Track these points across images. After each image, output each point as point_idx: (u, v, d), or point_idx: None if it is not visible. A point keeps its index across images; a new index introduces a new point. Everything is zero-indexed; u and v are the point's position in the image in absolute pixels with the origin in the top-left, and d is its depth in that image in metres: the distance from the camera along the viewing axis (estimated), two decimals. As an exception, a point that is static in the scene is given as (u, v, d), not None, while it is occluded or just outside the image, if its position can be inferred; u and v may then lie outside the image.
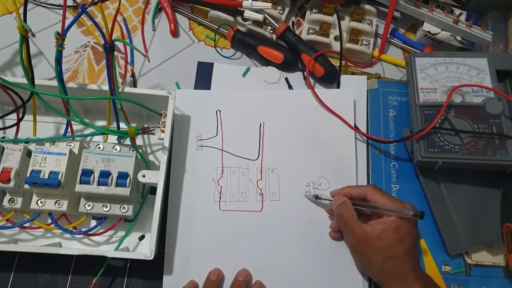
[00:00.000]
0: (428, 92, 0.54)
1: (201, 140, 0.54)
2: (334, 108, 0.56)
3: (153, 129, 0.45)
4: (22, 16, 0.43)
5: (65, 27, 0.43)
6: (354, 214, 0.47)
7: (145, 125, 0.46)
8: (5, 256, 0.48)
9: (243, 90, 0.58)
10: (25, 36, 0.42)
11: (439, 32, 0.61)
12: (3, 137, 0.51)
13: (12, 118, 0.49)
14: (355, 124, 0.56)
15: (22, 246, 0.47)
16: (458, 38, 0.61)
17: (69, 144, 0.49)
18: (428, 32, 0.62)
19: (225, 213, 0.51)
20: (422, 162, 0.51)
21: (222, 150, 0.54)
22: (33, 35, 0.41)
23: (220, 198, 0.52)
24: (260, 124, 0.56)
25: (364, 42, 0.61)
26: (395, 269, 0.45)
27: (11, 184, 0.44)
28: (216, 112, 0.56)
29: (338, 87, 0.59)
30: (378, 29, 0.64)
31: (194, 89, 0.58)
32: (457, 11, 0.62)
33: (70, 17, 0.61)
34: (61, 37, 0.43)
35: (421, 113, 0.53)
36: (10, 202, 0.46)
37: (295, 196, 0.53)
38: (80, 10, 0.42)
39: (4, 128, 0.50)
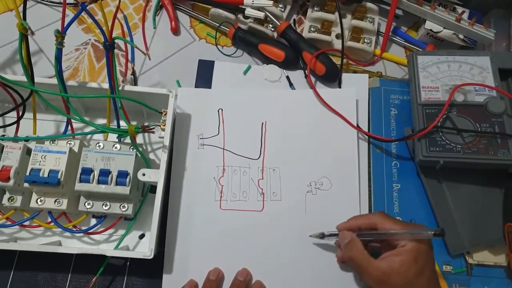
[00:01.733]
0: (430, 91, 0.54)
1: (203, 138, 0.54)
2: (336, 108, 0.56)
3: (153, 128, 0.45)
4: (21, 14, 0.43)
5: (65, 25, 0.42)
6: (365, 253, 0.43)
7: (146, 124, 0.45)
8: (4, 255, 0.48)
9: (245, 89, 0.58)
10: (24, 34, 0.42)
11: (442, 30, 0.61)
12: (3, 135, 0.51)
13: (12, 116, 0.49)
14: (357, 123, 0.56)
15: (21, 244, 0.47)
16: (461, 36, 0.61)
17: (69, 142, 0.48)
18: (430, 30, 0.61)
19: (225, 213, 0.51)
20: (423, 161, 0.51)
21: (223, 149, 0.54)
22: (32, 33, 0.41)
23: (221, 197, 0.52)
24: (262, 123, 0.55)
25: (366, 40, 0.61)
26: None
27: (11, 182, 0.43)
28: (218, 111, 0.56)
29: (339, 85, 0.59)
30: (380, 27, 0.64)
31: (195, 87, 0.58)
32: (459, 9, 0.61)
33: (70, 14, 0.60)
34: (61, 35, 0.43)
35: (422, 112, 0.53)
36: (10, 200, 0.46)
37: (297, 196, 0.52)
38: (80, 7, 0.42)
39: (4, 126, 0.50)
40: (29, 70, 0.45)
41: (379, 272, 0.42)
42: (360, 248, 0.44)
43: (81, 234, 0.50)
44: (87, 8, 0.42)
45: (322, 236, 0.49)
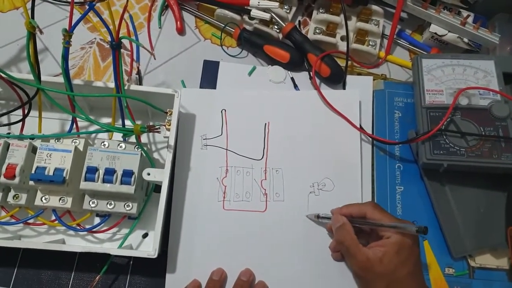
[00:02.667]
0: (434, 94, 0.54)
1: (206, 139, 0.54)
2: (340, 109, 0.56)
3: (159, 128, 0.45)
4: (29, 12, 0.43)
5: (73, 24, 0.43)
6: (355, 238, 0.45)
7: (151, 123, 0.46)
8: (8, 252, 0.48)
9: (249, 90, 0.58)
10: (32, 33, 0.42)
11: (446, 34, 0.61)
12: (8, 133, 0.51)
13: (17, 114, 0.49)
14: (360, 125, 0.56)
15: (26, 242, 0.47)
16: (465, 40, 0.61)
17: (74, 141, 0.49)
18: (435, 33, 0.61)
19: (228, 213, 0.51)
20: (427, 164, 0.51)
21: (226, 149, 0.54)
22: (41, 32, 0.41)
23: (224, 197, 0.52)
24: (265, 124, 0.55)
25: (370, 43, 0.61)
26: None
27: (16, 180, 0.43)
28: (221, 112, 0.56)
29: (344, 87, 0.59)
30: (384, 29, 0.64)
31: (200, 87, 0.58)
32: (464, 13, 0.61)
33: (76, 13, 0.60)
34: (68, 34, 0.43)
35: (427, 115, 0.53)
36: (15, 198, 0.46)
37: (299, 196, 0.52)
38: (87, 6, 0.42)
39: (10, 124, 0.50)
40: (36, 68, 0.45)
41: (365, 259, 0.43)
42: (351, 233, 0.45)
43: (85, 233, 0.50)
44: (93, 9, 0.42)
45: (318, 217, 0.50)
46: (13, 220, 0.47)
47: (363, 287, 0.47)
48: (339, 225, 0.46)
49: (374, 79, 0.60)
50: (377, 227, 0.45)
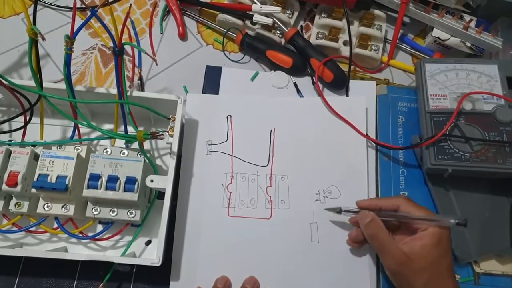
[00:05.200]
0: (438, 99, 0.54)
1: (211, 145, 0.54)
2: (346, 116, 0.56)
3: (162, 134, 0.45)
4: (31, 18, 0.42)
5: (75, 30, 0.42)
6: (388, 233, 0.43)
7: (153, 130, 0.45)
8: (10, 260, 0.48)
9: (254, 96, 0.58)
10: (34, 39, 0.42)
11: (449, 38, 0.61)
12: (10, 140, 0.51)
13: (19, 121, 0.48)
14: (366, 133, 0.55)
15: (27, 251, 0.46)
16: (468, 44, 0.61)
17: (77, 148, 0.48)
18: (438, 38, 0.61)
19: (233, 220, 0.51)
20: (431, 170, 0.51)
21: (232, 155, 0.54)
22: (43, 38, 0.41)
23: (229, 204, 0.52)
24: (271, 130, 0.55)
25: (373, 48, 0.61)
26: None
27: (18, 188, 0.43)
28: (227, 117, 0.55)
29: (347, 92, 0.59)
30: (387, 34, 0.64)
31: (202, 93, 0.58)
32: (467, 17, 0.61)
33: (77, 19, 0.60)
34: (70, 40, 0.43)
35: (430, 120, 0.53)
36: (17, 206, 0.45)
37: (305, 204, 0.52)
38: (89, 12, 0.42)
39: (11, 131, 0.49)
40: (38, 75, 0.45)
41: (402, 254, 0.42)
42: (384, 228, 0.44)
43: (87, 240, 0.49)
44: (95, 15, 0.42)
45: (339, 211, 0.49)
46: (15, 228, 0.47)
47: (402, 284, 0.44)
48: (369, 220, 0.45)
49: (377, 84, 0.60)
50: (410, 220, 0.44)
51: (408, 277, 0.42)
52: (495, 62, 0.56)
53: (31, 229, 0.47)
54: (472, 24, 0.60)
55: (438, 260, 0.41)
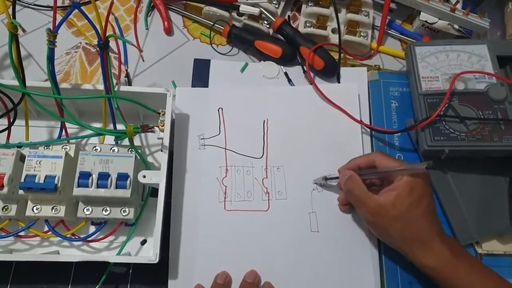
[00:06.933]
0: (430, 81, 0.54)
1: (204, 139, 0.53)
2: (339, 103, 0.55)
3: (153, 127, 0.44)
4: (10, 12, 0.41)
5: (57, 23, 0.41)
6: (363, 186, 0.45)
7: (143, 123, 0.44)
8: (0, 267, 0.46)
9: (245, 87, 0.57)
10: (14, 34, 0.40)
11: (437, 21, 0.61)
12: (-6, 143, 0.49)
13: (3, 124, 0.46)
14: (360, 118, 0.55)
15: (17, 255, 0.44)
16: (456, 26, 0.61)
17: (65, 147, 0.46)
18: (426, 21, 0.61)
19: (230, 214, 0.50)
20: (428, 151, 0.50)
21: (225, 148, 0.52)
22: (24, 30, 0.40)
23: (225, 198, 0.50)
24: (264, 121, 0.54)
25: (362, 34, 0.60)
26: (416, 235, 0.43)
27: (5, 190, 0.41)
28: (218, 110, 0.54)
29: (338, 79, 0.58)
30: (374, 21, 0.63)
31: (192, 87, 0.57)
32: (453, 0, 0.61)
33: (59, 18, 0.58)
34: (52, 33, 0.41)
35: (424, 102, 0.52)
36: (4, 210, 0.43)
37: (302, 194, 0.51)
38: (72, 6, 0.40)
39: (-6, 133, 0.47)
40: (20, 71, 0.43)
41: (376, 205, 0.43)
42: (359, 182, 0.45)
43: (80, 243, 0.48)
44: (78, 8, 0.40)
45: (325, 179, 0.50)
46: (3, 234, 0.45)
47: (378, 233, 0.46)
48: (347, 177, 0.46)
49: (368, 70, 0.59)
50: (387, 173, 0.45)
51: (384, 225, 0.44)
52: (484, 42, 0.55)
53: (20, 233, 0.45)
54: (459, 6, 0.60)
55: (412, 207, 0.42)
